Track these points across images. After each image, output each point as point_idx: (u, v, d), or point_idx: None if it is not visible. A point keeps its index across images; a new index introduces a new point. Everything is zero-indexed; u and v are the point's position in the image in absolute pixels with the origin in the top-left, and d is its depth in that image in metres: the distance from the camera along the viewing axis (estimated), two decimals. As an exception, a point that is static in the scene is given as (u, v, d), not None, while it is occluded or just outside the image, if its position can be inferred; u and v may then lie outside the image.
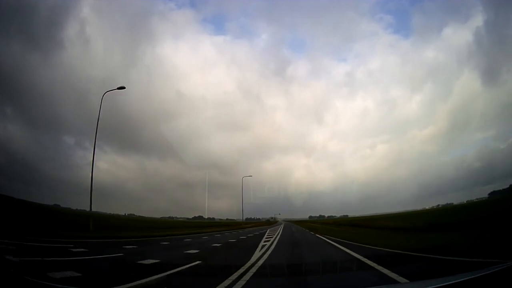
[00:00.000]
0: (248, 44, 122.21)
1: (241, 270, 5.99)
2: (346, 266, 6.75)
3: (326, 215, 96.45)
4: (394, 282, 4.54)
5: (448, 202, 57.78)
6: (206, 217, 65.89)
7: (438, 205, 59.13)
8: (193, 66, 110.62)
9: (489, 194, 50.74)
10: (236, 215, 69.34)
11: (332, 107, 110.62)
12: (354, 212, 78.97)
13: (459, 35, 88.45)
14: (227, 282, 4.99)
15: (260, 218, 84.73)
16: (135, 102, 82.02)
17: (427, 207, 60.15)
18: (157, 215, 63.99)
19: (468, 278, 3.00)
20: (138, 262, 7.26)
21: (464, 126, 78.06)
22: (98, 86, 78.80)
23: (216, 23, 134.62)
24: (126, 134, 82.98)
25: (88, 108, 71.41)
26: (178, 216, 64.86)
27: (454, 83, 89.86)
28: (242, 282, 5.04)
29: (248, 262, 7.11)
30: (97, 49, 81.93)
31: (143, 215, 59.04)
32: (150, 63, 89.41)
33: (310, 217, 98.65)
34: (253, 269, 6.21)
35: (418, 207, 61.59)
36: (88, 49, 79.50)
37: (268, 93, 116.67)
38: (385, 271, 5.43)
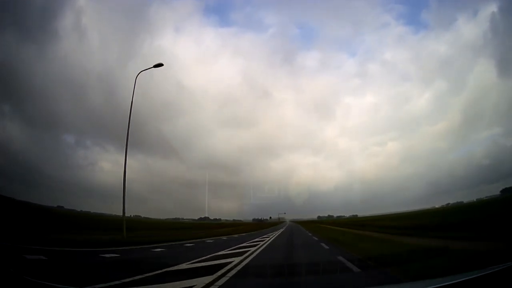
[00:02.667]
0: (254, 35, 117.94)
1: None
2: None
3: (335, 215, 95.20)
4: (395, 282, 4.48)
5: (458, 201, 56.83)
6: (211, 218, 65.82)
7: (448, 203, 58.30)
8: (196, 59, 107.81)
9: (501, 191, 49.71)
10: (243, 216, 69.10)
11: (341, 102, 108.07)
12: (363, 211, 77.79)
13: (474, 24, 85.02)
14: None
15: (268, 218, 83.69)
16: (137, 97, 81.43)
17: (436, 206, 59.35)
18: (163, 216, 63.39)
19: (468, 278, 3.01)
20: None
21: (476, 121, 76.00)
22: (96, 81, 78.90)
23: (220, 12, 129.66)
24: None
25: (87, 105, 71.85)
26: (184, 218, 64.70)
27: (467, 76, 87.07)
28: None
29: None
30: (94, 41, 78.84)
31: (149, 217, 59.01)
32: (150, 56, 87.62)
33: (319, 217, 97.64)
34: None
35: (428, 205, 60.67)
36: (85, 40, 76.77)
37: (274, 87, 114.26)
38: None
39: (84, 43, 76.79)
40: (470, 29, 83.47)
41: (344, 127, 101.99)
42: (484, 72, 72.99)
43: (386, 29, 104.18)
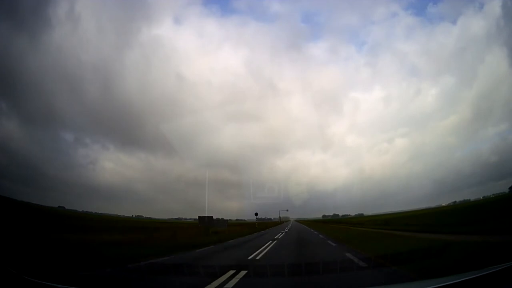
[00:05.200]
0: (259, 25, 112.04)
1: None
2: None
3: (341, 214, 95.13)
4: (394, 282, 4.44)
5: (465, 199, 56.43)
6: (214, 218, 65.30)
7: (455, 201, 57.85)
8: (198, 51, 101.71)
9: (509, 188, 49.10)
10: (247, 215, 68.61)
11: (349, 97, 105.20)
12: (369, 210, 77.67)
13: (485, 12, 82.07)
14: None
15: (272, 218, 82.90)
16: (137, 93, 78.56)
17: (443, 204, 58.94)
18: (165, 216, 63.04)
19: (468, 278, 3.00)
20: None
21: (485, 116, 74.35)
22: (92, 72, 75.07)
23: (222, 1, 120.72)
24: (128, 129, 79.81)
25: (84, 99, 69.72)
26: (187, 217, 64.48)
27: (478, 68, 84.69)
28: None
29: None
30: (89, 30, 78.91)
31: (151, 217, 58.69)
32: (148, 46, 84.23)
33: (324, 216, 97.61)
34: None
35: (434, 204, 60.44)
36: (79, 29, 75.15)
37: (280, 80, 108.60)
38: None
39: (79, 32, 74.70)
40: (481, 18, 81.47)
41: (351, 123, 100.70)
42: (495, 63, 71.50)
43: (394, 19, 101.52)
